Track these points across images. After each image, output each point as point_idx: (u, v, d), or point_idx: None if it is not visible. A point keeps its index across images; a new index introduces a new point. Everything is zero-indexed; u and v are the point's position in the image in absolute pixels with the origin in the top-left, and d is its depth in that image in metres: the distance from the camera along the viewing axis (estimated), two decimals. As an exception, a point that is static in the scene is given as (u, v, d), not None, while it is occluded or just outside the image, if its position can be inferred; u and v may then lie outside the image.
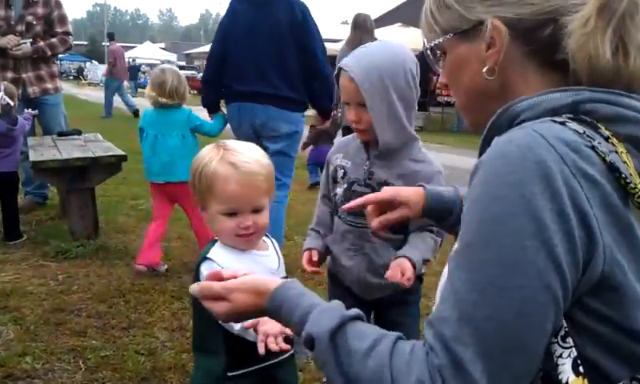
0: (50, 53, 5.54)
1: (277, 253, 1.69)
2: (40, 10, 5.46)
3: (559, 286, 0.81)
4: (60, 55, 6.06)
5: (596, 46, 0.90)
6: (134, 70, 31.68)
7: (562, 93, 0.91)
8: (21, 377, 2.62)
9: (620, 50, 0.90)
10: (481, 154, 0.96)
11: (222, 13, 4.17)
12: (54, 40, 5.51)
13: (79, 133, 5.87)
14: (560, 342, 0.85)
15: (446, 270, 0.97)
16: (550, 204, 0.80)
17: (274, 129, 3.85)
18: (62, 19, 5.62)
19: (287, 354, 1.59)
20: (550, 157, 0.82)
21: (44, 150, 4.86)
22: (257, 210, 1.54)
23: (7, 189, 4.56)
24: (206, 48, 55.69)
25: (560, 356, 0.85)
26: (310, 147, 7.28)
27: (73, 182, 4.56)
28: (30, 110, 5.06)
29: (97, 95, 25.46)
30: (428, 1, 1.09)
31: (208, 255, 1.53)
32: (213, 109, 4.20)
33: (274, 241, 1.71)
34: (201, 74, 28.14)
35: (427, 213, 1.45)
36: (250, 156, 1.54)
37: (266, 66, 3.74)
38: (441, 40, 1.06)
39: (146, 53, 45.70)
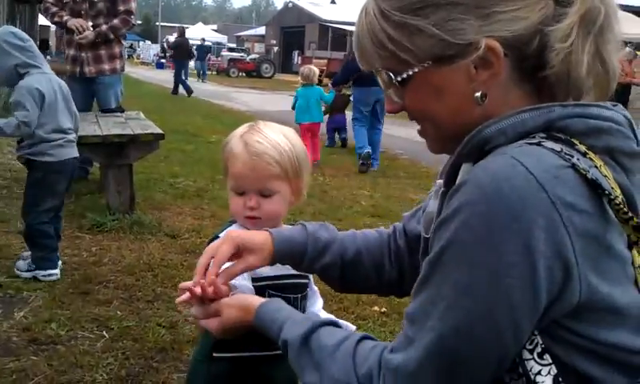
0: (112, 36, 5.68)
1: None
2: None
3: (504, 317, 0.82)
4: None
5: (577, 58, 0.88)
6: (202, 52, 28.29)
7: (532, 112, 0.88)
8: (45, 342, 2.73)
9: (598, 61, 0.90)
10: (446, 182, 0.98)
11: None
12: (115, 22, 5.64)
13: (122, 110, 6.02)
14: (537, 359, 0.86)
15: None
16: (516, 237, 0.79)
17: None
18: None
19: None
20: (528, 187, 0.80)
21: (85, 125, 4.98)
22: (264, 194, 1.49)
23: None
24: (257, 31, 56.33)
25: (539, 373, 0.86)
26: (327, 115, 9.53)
27: (111, 158, 4.68)
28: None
29: (149, 74, 26.10)
30: (379, 26, 0.94)
31: (219, 234, 1.51)
32: (336, 87, 8.34)
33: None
34: (250, 57, 28.79)
35: (278, 259, 1.29)
36: (269, 137, 1.48)
37: None
38: (416, 70, 0.93)
39: (197, 34, 46.22)
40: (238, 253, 1.25)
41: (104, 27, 5.61)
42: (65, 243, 3.95)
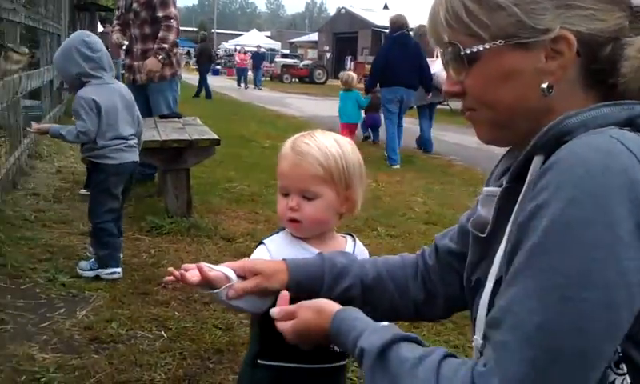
0: (166, 46, 5.81)
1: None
2: None
3: (625, 306, 0.76)
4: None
5: None
6: (258, 59, 28.91)
7: (613, 107, 0.86)
8: (105, 341, 2.81)
9: None
10: (516, 175, 0.94)
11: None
12: (160, 34, 5.80)
13: (179, 116, 6.15)
14: (613, 368, 0.82)
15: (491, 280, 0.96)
16: (630, 215, 0.76)
17: (410, 100, 8.46)
18: (164, 3, 5.82)
19: (337, 363, 1.49)
20: (632, 164, 0.78)
21: (145, 130, 5.09)
22: (307, 197, 1.46)
23: None
24: (310, 37, 56.81)
25: (612, 382, 0.83)
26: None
27: (169, 163, 4.79)
28: None
29: (203, 81, 26.45)
30: None
31: (265, 240, 1.53)
32: (368, 91, 9.17)
33: (357, 244, 1.58)
34: (303, 63, 29.73)
35: (295, 287, 1.31)
36: (318, 142, 1.47)
37: (410, 72, 8.12)
38: (487, 46, 0.92)
39: (251, 40, 46.89)
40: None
41: (155, 47, 5.81)
42: (125, 245, 4.07)
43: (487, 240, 1.02)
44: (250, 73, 29.58)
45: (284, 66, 36.45)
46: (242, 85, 27.33)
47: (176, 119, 5.96)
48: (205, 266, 1.31)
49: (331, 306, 1.15)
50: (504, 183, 0.99)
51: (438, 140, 10.55)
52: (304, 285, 1.31)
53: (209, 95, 18.84)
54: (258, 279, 1.31)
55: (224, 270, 1.33)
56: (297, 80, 35.24)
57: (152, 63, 5.78)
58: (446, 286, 1.28)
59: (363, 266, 1.35)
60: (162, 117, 5.98)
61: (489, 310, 0.91)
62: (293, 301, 1.30)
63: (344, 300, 1.28)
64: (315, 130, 1.53)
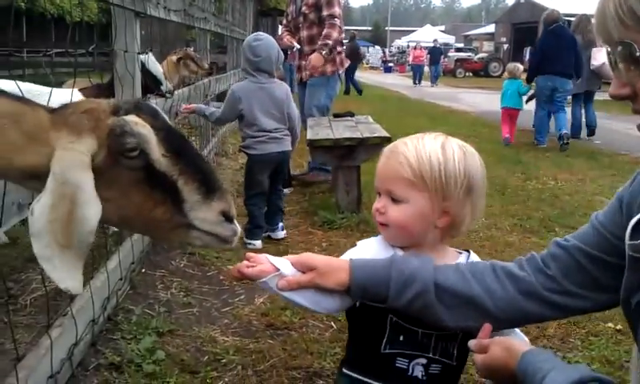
0: (329, 42, 6.00)
1: None
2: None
3: None
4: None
5: None
6: (436, 54, 27.80)
7: None
8: (280, 327, 2.99)
9: None
10: None
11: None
12: (324, 31, 5.95)
13: (352, 115, 6.31)
14: None
15: None
16: None
17: (565, 88, 8.95)
18: (329, 2, 5.97)
19: None
20: None
21: (320, 129, 5.34)
22: (395, 199, 1.38)
23: None
24: (486, 29, 55.19)
25: None
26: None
27: (341, 160, 4.95)
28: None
29: (377, 78, 26.81)
30: None
31: (359, 241, 1.51)
32: (529, 80, 9.34)
33: (472, 257, 1.45)
34: (477, 56, 29.05)
35: (358, 288, 1.26)
36: (419, 142, 1.38)
37: (567, 61, 8.71)
38: None
39: (424, 36, 46.53)
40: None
41: (319, 43, 5.95)
42: (299, 238, 4.30)
43: None
44: (426, 69, 28.39)
45: (457, 60, 35.72)
46: (417, 82, 26.52)
47: (349, 117, 6.13)
48: (265, 257, 1.36)
49: (521, 345, 1.15)
50: None
51: (627, 135, 9.74)
52: (369, 289, 1.28)
53: (359, 91, 19.11)
54: (313, 274, 1.29)
55: (277, 261, 1.35)
56: (471, 74, 34.35)
57: (315, 58, 5.94)
58: (575, 297, 1.21)
59: (441, 270, 1.28)
60: (336, 116, 6.18)
61: None
62: (367, 307, 1.32)
63: (416, 307, 1.24)
64: (432, 133, 1.44)
